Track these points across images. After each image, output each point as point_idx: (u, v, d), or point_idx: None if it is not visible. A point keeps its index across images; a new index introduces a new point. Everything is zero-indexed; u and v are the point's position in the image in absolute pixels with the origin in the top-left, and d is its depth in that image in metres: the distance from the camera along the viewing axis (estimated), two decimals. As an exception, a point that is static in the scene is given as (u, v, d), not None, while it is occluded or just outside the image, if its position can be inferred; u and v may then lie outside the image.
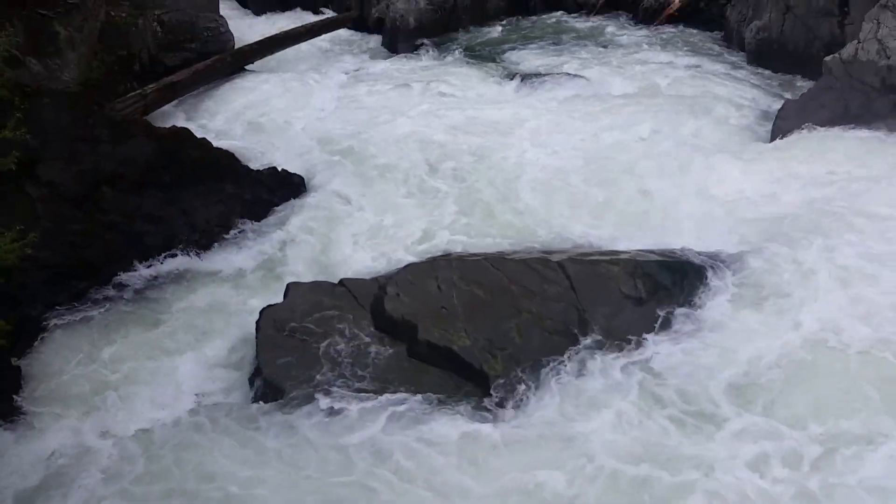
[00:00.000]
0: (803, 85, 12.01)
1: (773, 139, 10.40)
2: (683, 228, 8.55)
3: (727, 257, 7.83)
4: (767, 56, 13.07)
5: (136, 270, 8.43)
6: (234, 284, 8.36)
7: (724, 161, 9.75)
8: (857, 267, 7.36)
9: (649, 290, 7.41)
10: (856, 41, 10.51)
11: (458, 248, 8.47)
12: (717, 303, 7.27)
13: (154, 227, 8.82)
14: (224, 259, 8.74)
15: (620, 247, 8.23)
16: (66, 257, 8.19)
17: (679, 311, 7.24)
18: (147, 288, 8.32)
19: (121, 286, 8.28)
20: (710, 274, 7.54)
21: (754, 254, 7.79)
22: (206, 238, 8.97)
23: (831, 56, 10.78)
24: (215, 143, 10.18)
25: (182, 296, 8.15)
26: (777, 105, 11.26)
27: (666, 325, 7.13)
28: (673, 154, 9.96)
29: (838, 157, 9.50)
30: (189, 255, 8.73)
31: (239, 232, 9.16)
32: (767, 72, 12.97)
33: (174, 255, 8.68)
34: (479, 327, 6.97)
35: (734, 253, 7.91)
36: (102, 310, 7.94)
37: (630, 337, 6.96)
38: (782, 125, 10.46)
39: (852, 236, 7.75)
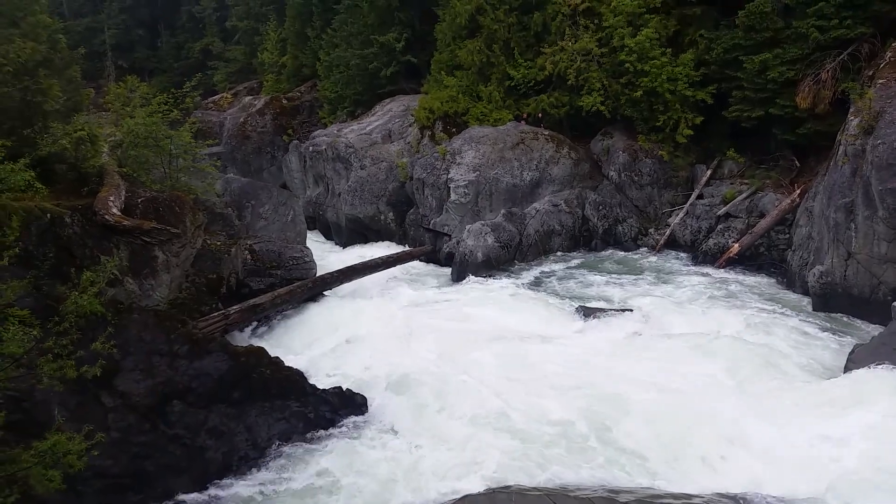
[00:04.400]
0: (871, 328, 11.80)
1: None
2: (756, 470, 8.07)
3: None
4: (832, 300, 13.08)
5: (189, 489, 8.37)
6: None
7: (793, 403, 9.41)
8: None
9: (725, 542, 6.84)
10: (923, 288, 10.50)
11: (519, 479, 8.12)
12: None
13: (216, 441, 8.89)
14: (277, 481, 8.59)
15: (691, 489, 7.75)
16: (126, 468, 8.25)
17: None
18: (198, 507, 8.21)
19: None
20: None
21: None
22: (264, 457, 8.97)
23: (899, 302, 10.75)
24: (288, 361, 10.52)
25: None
26: (846, 348, 11.04)
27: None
28: (738, 395, 9.73)
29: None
30: (244, 476, 8.67)
31: (296, 453, 9.10)
32: (832, 315, 12.89)
33: (229, 475, 8.63)
34: (539, 572, 6.48)
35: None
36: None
37: None
38: (854, 368, 10.15)
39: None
